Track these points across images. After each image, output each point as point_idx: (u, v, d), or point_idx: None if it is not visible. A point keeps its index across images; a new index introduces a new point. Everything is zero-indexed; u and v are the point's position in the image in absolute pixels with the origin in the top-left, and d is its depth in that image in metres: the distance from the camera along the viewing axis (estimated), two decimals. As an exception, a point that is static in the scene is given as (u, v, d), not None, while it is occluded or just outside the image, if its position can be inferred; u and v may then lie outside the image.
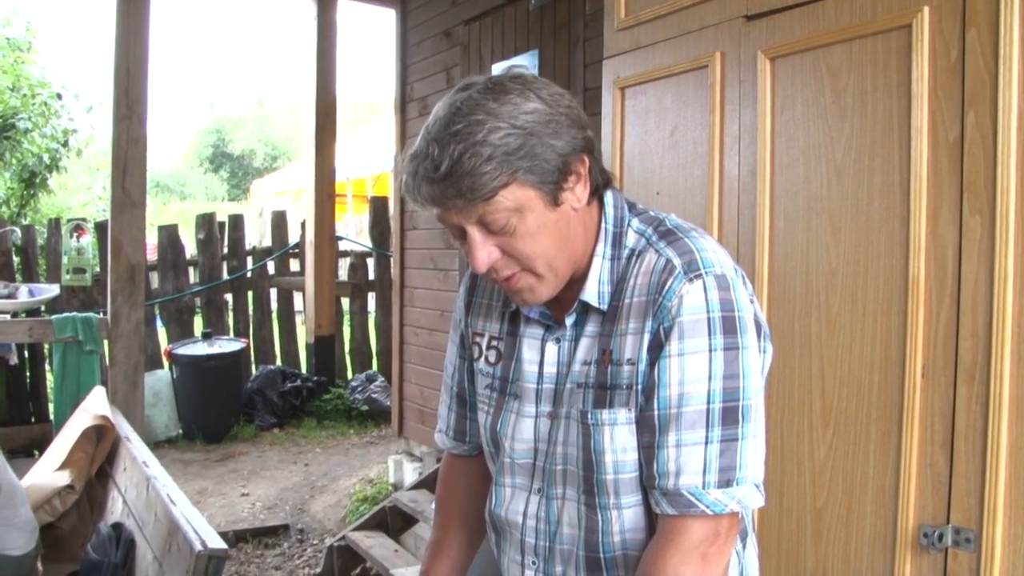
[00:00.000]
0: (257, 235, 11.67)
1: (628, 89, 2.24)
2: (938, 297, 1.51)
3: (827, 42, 1.70)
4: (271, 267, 7.95)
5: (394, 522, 4.56)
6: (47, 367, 6.45)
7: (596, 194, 1.24)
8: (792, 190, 1.79)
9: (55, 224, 7.16)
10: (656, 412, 1.16)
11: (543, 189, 1.13)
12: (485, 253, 1.16)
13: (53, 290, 5.95)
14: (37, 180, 9.74)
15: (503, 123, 1.09)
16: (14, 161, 9.50)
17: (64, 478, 3.19)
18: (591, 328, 1.23)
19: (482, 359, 1.38)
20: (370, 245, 8.22)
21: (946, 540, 1.48)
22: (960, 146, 1.47)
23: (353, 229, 12.22)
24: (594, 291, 1.22)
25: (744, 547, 1.29)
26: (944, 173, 1.50)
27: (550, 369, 1.27)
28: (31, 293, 5.69)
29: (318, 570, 4.46)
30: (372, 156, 11.52)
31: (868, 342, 1.63)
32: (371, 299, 8.08)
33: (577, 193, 1.18)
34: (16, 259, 7.04)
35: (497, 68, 4.45)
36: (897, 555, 1.56)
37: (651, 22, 2.16)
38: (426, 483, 4.68)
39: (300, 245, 7.81)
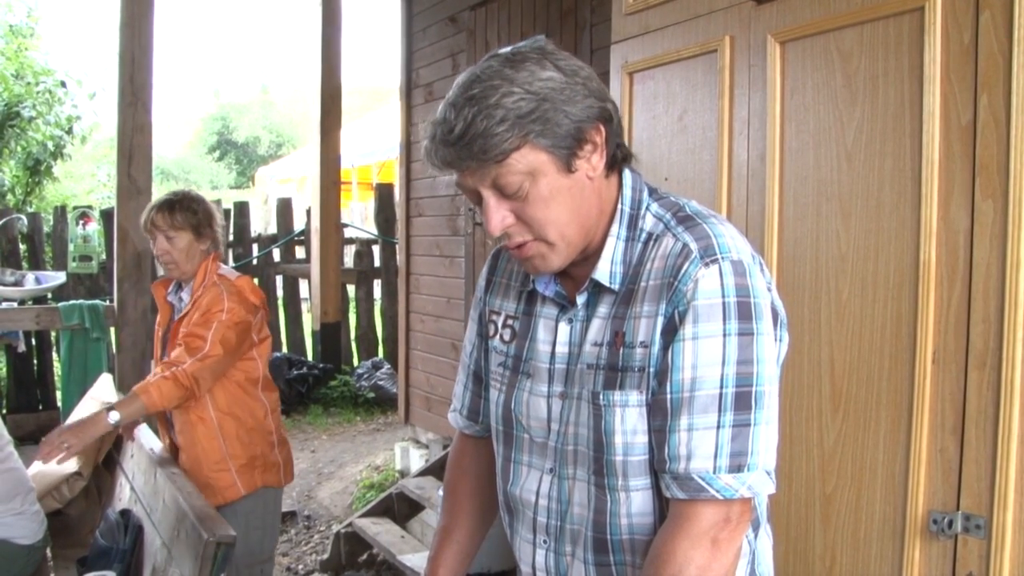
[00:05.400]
0: (262, 222, 11.67)
1: (636, 74, 2.23)
2: (949, 282, 1.50)
3: (838, 25, 1.68)
4: (276, 254, 7.95)
5: (401, 509, 4.58)
6: (54, 354, 6.48)
7: (614, 168, 1.24)
8: (802, 175, 1.77)
9: (61, 212, 7.17)
10: (668, 395, 1.15)
11: (556, 154, 1.15)
12: (499, 218, 1.17)
13: (59, 277, 5.96)
14: (42, 168, 9.75)
15: (517, 88, 1.12)
16: (19, 149, 9.51)
17: (72, 465, 3.20)
18: (603, 309, 1.24)
19: (497, 337, 1.39)
20: (375, 232, 8.22)
21: (956, 526, 1.48)
22: (973, 130, 1.46)
23: (358, 216, 12.20)
24: (606, 271, 1.22)
25: (756, 536, 1.29)
26: (956, 157, 1.49)
27: (562, 349, 1.27)
28: (38, 281, 5.70)
29: (325, 556, 4.48)
30: (377, 143, 11.49)
31: (878, 327, 1.62)
32: (377, 286, 8.08)
33: (592, 162, 1.19)
34: (22, 247, 7.06)
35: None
36: (906, 541, 1.56)
37: (660, 6, 2.14)
38: (433, 470, 4.69)
39: (305, 232, 7.81)
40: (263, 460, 2.80)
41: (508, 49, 1.18)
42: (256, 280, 7.68)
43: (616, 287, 1.22)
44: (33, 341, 6.41)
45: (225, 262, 7.52)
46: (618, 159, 1.24)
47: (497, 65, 1.14)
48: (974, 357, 1.46)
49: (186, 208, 2.75)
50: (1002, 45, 1.41)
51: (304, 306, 8.16)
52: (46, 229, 7.36)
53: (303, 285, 8.03)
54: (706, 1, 2.00)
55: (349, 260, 8.29)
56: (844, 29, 1.67)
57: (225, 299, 2.65)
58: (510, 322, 1.36)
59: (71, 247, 6.39)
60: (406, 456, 5.51)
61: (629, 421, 1.19)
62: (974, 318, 1.46)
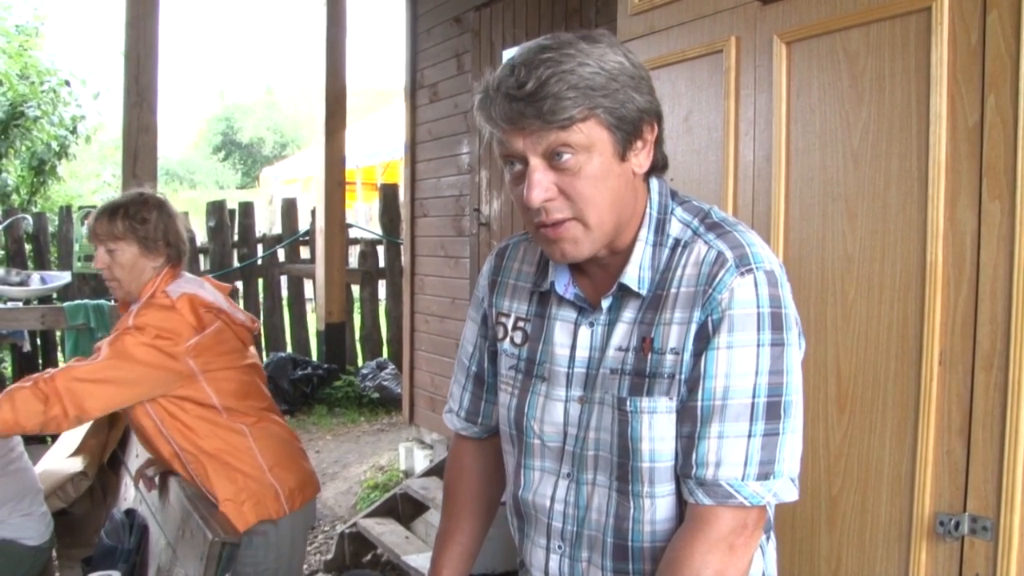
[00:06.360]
0: (267, 223, 11.68)
1: (641, 74, 2.22)
2: (956, 283, 1.49)
3: (844, 26, 1.68)
4: (281, 255, 7.96)
5: (405, 509, 4.58)
6: (59, 354, 6.48)
7: (650, 174, 1.24)
8: (808, 176, 1.77)
9: (66, 212, 7.19)
10: (700, 403, 1.15)
11: (616, 136, 1.14)
12: (542, 189, 1.14)
13: (65, 277, 5.97)
14: (47, 168, 9.77)
15: (592, 61, 1.12)
16: (24, 149, 9.53)
17: (77, 464, 3.21)
18: (628, 314, 1.22)
19: (507, 340, 1.36)
20: (380, 233, 8.22)
21: (963, 528, 1.47)
22: (980, 131, 1.45)
23: (363, 217, 12.23)
24: (634, 275, 1.21)
25: (767, 541, 1.29)
26: (963, 158, 1.48)
27: (582, 353, 1.26)
28: (43, 280, 5.71)
29: (329, 556, 4.48)
30: (382, 144, 11.50)
31: (884, 329, 1.61)
32: (381, 287, 8.09)
33: (640, 159, 1.19)
34: (28, 247, 7.08)
35: (508, 54, 4.43)
36: (913, 543, 1.55)
37: (665, 6, 2.13)
38: (437, 470, 4.70)
39: (310, 232, 7.82)
40: (248, 492, 2.28)
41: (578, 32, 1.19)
42: (261, 280, 7.70)
43: (644, 292, 1.21)
44: (38, 341, 6.42)
45: (230, 262, 7.55)
46: (657, 166, 1.24)
47: (570, 37, 1.14)
48: (981, 358, 1.46)
49: (132, 216, 2.25)
50: (1009, 46, 1.40)
51: (309, 306, 8.17)
52: (51, 229, 7.37)
53: (308, 285, 8.04)
54: (711, 1, 2.00)
55: (354, 260, 8.29)
56: (850, 29, 1.67)
57: (132, 315, 2.21)
58: (521, 324, 1.34)
59: (76, 247, 6.40)
60: (410, 456, 5.51)
61: (657, 428, 1.18)
62: (981, 319, 1.46)
